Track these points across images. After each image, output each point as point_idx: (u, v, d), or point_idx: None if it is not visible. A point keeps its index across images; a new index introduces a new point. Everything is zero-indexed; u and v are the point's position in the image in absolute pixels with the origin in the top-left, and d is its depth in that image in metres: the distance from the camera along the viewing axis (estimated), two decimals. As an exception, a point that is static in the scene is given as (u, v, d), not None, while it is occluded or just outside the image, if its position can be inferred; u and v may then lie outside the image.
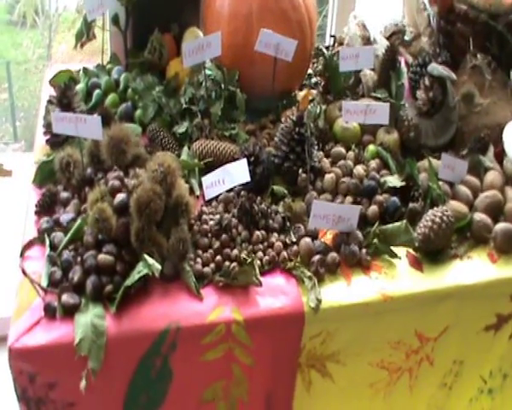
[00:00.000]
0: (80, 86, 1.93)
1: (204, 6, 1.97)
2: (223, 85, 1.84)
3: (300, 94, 1.96)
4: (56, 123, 1.47)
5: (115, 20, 2.03)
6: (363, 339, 1.44)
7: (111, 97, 1.89)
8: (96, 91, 1.91)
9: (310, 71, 2.09)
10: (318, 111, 1.74)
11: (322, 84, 1.98)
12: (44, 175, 1.63)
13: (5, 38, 4.99)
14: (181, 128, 1.77)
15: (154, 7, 2.03)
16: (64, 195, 1.56)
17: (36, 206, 1.54)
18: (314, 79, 2.05)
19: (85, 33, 2.03)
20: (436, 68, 1.85)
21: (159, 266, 1.31)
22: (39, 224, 1.49)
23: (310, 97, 1.91)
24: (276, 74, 1.83)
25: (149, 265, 1.31)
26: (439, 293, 1.44)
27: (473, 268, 1.51)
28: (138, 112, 1.84)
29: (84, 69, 2.00)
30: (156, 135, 1.75)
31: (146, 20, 2.06)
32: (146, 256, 1.33)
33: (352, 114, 1.67)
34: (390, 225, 1.51)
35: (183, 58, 1.71)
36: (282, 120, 1.66)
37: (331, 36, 2.16)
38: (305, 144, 1.60)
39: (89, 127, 1.47)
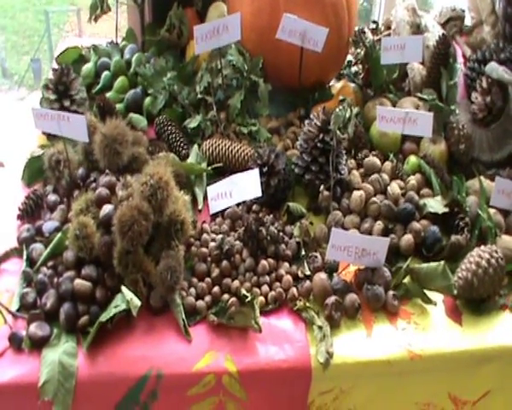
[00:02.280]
0: (87, 67, 1.69)
1: (229, -21, 1.69)
2: (244, 74, 1.57)
3: (336, 86, 1.67)
4: (37, 120, 1.23)
5: (131, -9, 1.78)
6: (384, 398, 1.18)
7: (120, 81, 1.65)
8: (105, 73, 1.67)
9: (350, 57, 1.79)
10: (349, 114, 1.44)
11: (362, 75, 1.68)
12: (33, 173, 1.41)
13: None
14: (193, 122, 1.52)
15: (176, -23, 1.77)
16: (51, 198, 1.34)
17: (19, 209, 1.33)
18: (355, 68, 1.75)
19: (99, 6, 1.79)
20: (496, 70, 1.52)
21: (138, 303, 1.08)
22: (20, 231, 1.28)
23: (347, 92, 1.62)
24: (305, 64, 1.55)
25: (127, 300, 1.08)
26: (480, 354, 1.16)
27: (525, 324, 1.23)
28: (147, 101, 1.59)
29: (94, 47, 1.75)
30: (164, 129, 1.50)
31: (166, -8, 1.80)
32: (124, 289, 1.10)
33: (389, 122, 1.37)
34: (425, 265, 1.23)
35: (194, 43, 1.44)
36: (306, 122, 1.38)
37: (373, 22, 1.84)
38: (330, 155, 1.32)
39: (72, 126, 1.23)
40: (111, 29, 1.88)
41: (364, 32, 1.78)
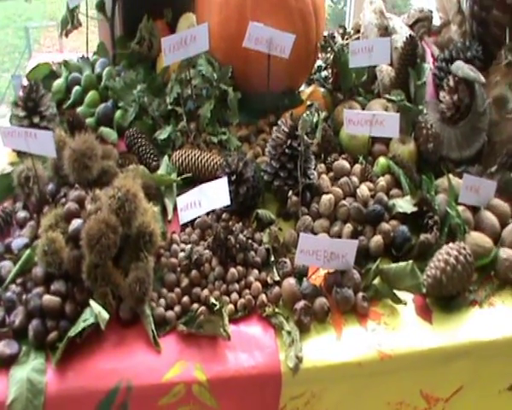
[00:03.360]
0: (58, 82, 1.69)
1: (197, -11, 1.70)
2: (214, 83, 1.58)
3: (306, 91, 1.67)
4: (4, 138, 1.24)
5: (100, 6, 1.78)
6: (356, 400, 1.18)
7: (90, 95, 1.65)
8: (76, 88, 1.67)
9: (320, 62, 1.80)
10: (317, 118, 1.45)
11: (331, 80, 1.69)
12: (3, 190, 1.41)
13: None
14: (163, 134, 1.52)
15: (145, -10, 1.77)
16: (21, 215, 1.34)
17: (-12, 227, 1.33)
18: (325, 73, 1.76)
19: (70, 21, 1.79)
20: (461, 68, 1.53)
21: (106, 316, 1.08)
22: (-12, 249, 1.28)
23: (317, 96, 1.62)
24: (274, 71, 1.56)
25: (96, 313, 1.08)
26: (450, 351, 1.16)
27: (495, 318, 1.22)
28: (117, 114, 1.60)
29: (65, 62, 1.76)
30: (134, 142, 1.51)
31: (136, 5, 1.80)
32: (93, 302, 1.10)
33: (356, 125, 1.38)
34: (394, 265, 1.23)
35: (163, 55, 1.45)
36: (274, 129, 1.39)
37: (340, 26, 1.85)
38: (298, 160, 1.32)
39: (40, 143, 1.23)
40: (91, 43, 1.88)
41: (334, 37, 1.80)
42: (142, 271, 1.14)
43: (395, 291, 1.22)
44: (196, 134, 1.52)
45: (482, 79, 1.54)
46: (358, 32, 1.81)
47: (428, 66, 1.66)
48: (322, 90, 1.67)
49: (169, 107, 1.57)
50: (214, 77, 1.58)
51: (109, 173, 1.35)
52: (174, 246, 1.26)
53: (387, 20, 1.75)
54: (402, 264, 1.23)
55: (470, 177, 1.39)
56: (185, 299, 1.18)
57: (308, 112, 1.46)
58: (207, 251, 1.24)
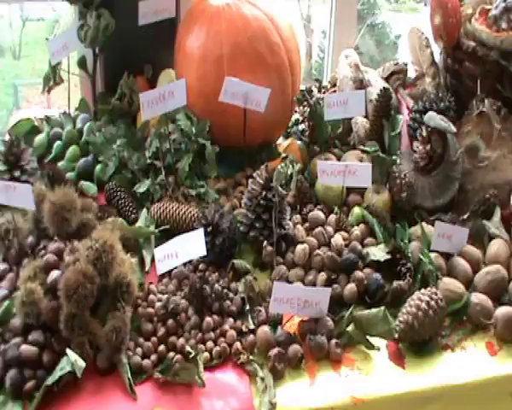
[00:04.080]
0: (40, 137, 1.81)
1: (176, 46, 1.84)
2: (192, 137, 1.70)
3: (283, 144, 1.80)
4: (-17, 190, 1.35)
5: (81, 63, 1.93)
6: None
7: (71, 150, 1.77)
8: (57, 143, 1.79)
9: (297, 116, 1.93)
10: (291, 170, 1.58)
11: (308, 133, 1.82)
12: (-17, 242, 1.51)
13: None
14: (142, 187, 1.63)
15: (126, 48, 1.91)
16: (0, 267, 1.43)
17: (-33, 279, 1.42)
18: (302, 126, 1.89)
19: (52, 78, 1.93)
20: (433, 118, 1.67)
21: (82, 364, 1.17)
22: (-33, 301, 1.37)
23: (293, 149, 1.75)
24: (250, 125, 1.69)
25: (72, 362, 1.17)
26: (422, 395, 1.25)
27: (467, 363, 1.32)
28: (97, 168, 1.71)
29: (47, 118, 1.88)
30: (114, 195, 1.62)
31: (117, 62, 1.94)
32: (69, 351, 1.19)
33: (330, 176, 1.50)
34: (367, 312, 1.33)
35: (141, 110, 1.58)
36: (250, 181, 1.50)
37: (316, 80, 1.99)
38: (273, 211, 1.43)
39: (19, 196, 1.34)
40: (76, 99, 2.01)
41: (312, 91, 1.94)
42: (120, 320, 1.24)
43: (368, 337, 1.31)
44: (175, 187, 1.63)
45: (453, 128, 1.67)
46: (335, 85, 1.96)
47: (402, 117, 1.80)
48: (298, 143, 1.80)
49: (148, 161, 1.68)
50: (193, 131, 1.71)
51: (88, 226, 1.45)
52: (151, 296, 1.36)
53: (363, 73, 1.89)
54: (374, 310, 1.32)
55: (442, 224, 1.50)
56: (162, 348, 1.27)
57: (283, 164, 1.58)
58: (184, 301, 1.33)
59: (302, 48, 4.39)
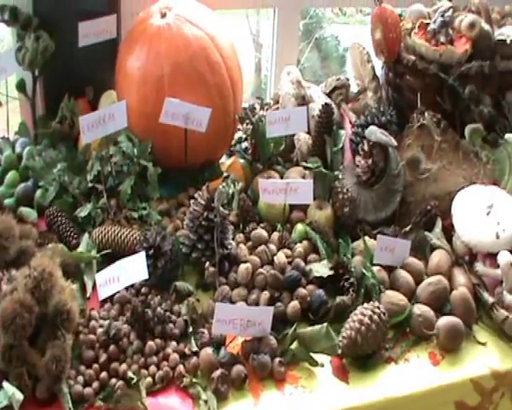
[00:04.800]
0: (-23, 163, 1.80)
1: (117, 68, 1.86)
2: (134, 159, 1.71)
3: (226, 163, 1.83)
4: None
5: (20, 86, 1.92)
6: None
7: (10, 175, 1.76)
8: (-5, 169, 1.79)
9: (241, 134, 1.97)
10: (233, 190, 1.60)
11: (251, 150, 1.85)
12: None
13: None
14: (83, 211, 1.64)
15: (66, 70, 1.92)
16: None
17: None
18: (245, 144, 1.92)
19: (-11, 101, 1.92)
20: (374, 133, 1.72)
21: (20, 397, 1.16)
22: None
23: (236, 168, 1.78)
24: (192, 144, 1.71)
25: (9, 395, 1.16)
26: (366, 409, 1.29)
27: (411, 374, 1.36)
28: (38, 193, 1.70)
29: (-15, 143, 1.87)
30: (54, 220, 1.62)
31: (57, 84, 1.94)
32: (6, 384, 1.18)
33: (271, 194, 1.53)
34: (310, 328, 1.36)
35: (81, 133, 1.58)
36: (191, 202, 1.52)
37: (257, 98, 2.03)
38: (215, 231, 1.46)
39: (-47, 225, 1.33)
40: (17, 124, 2.00)
41: (254, 108, 1.97)
42: (59, 349, 1.23)
43: (312, 354, 1.34)
44: (117, 210, 1.64)
45: (394, 142, 1.72)
46: (278, 102, 1.99)
47: (344, 132, 1.84)
48: (241, 161, 1.82)
49: (90, 184, 1.69)
50: (134, 153, 1.72)
51: (27, 253, 1.45)
52: (93, 322, 1.36)
53: (305, 89, 1.93)
54: (317, 327, 1.35)
55: (384, 238, 1.54)
56: (103, 375, 1.27)
57: (224, 184, 1.60)
58: (126, 326, 1.34)
59: (251, 63, 4.46)
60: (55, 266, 1.31)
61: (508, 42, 1.95)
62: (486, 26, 1.95)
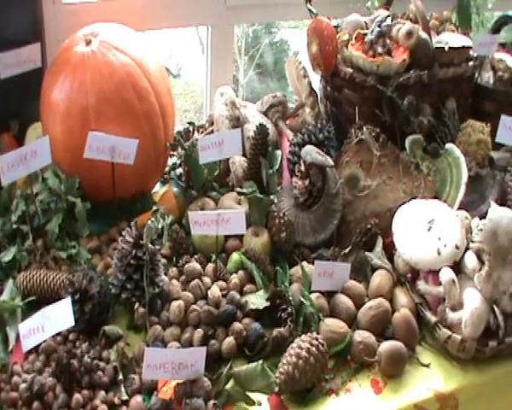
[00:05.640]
0: None
1: (41, 99, 1.81)
2: (62, 196, 1.67)
3: (159, 192, 1.79)
4: None
5: None
6: None
7: None
8: None
9: (175, 159, 1.93)
10: (162, 223, 1.57)
11: (184, 177, 1.81)
12: None
13: None
14: (7, 255, 1.58)
15: (-12, 104, 1.87)
16: None
17: None
18: (179, 170, 1.89)
19: None
20: (309, 153, 1.70)
21: None
22: None
23: (169, 197, 1.74)
24: (122, 176, 1.67)
25: None
26: (305, 448, 1.26)
27: (352, 406, 1.33)
28: (-44, 240, 1.65)
29: None
30: (-25, 268, 1.57)
31: (-20, 120, 1.89)
32: None
33: (203, 226, 1.49)
34: (245, 367, 1.32)
35: (0, 174, 1.53)
36: (120, 239, 1.48)
37: (188, 123, 2.00)
38: (144, 269, 1.42)
39: None
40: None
41: (189, 132, 1.94)
42: (-24, 412, 1.19)
43: (249, 393, 1.31)
44: (43, 252, 1.59)
45: (330, 162, 1.70)
46: (213, 123, 1.96)
47: (280, 152, 1.81)
48: (175, 189, 1.78)
49: (14, 226, 1.63)
50: (62, 189, 1.67)
51: None
52: (15, 378, 1.31)
53: (239, 109, 1.91)
54: (252, 365, 1.32)
55: (322, 263, 1.52)
56: (26, 436, 1.22)
57: (153, 219, 1.57)
58: (51, 379, 1.29)
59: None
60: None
61: (446, 49, 1.96)
62: (424, 35, 1.94)
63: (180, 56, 4.62)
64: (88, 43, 1.75)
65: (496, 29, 2.23)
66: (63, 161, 1.71)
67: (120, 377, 1.33)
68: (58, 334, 1.39)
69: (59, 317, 1.36)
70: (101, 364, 1.34)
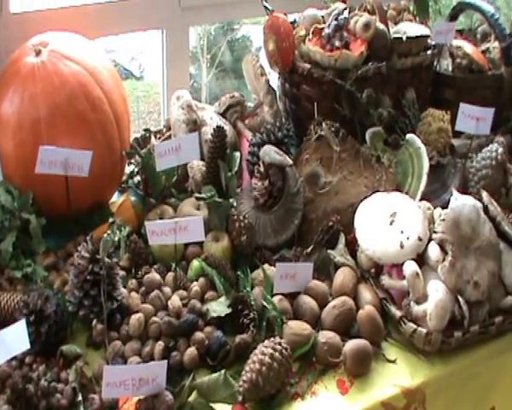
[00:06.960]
0: None
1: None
2: (16, 213, 1.63)
3: (117, 202, 1.75)
4: None
5: None
6: None
7: None
8: None
9: (133, 167, 1.89)
10: (119, 235, 1.54)
11: (142, 185, 1.78)
12: None
13: None
14: (-41, 279, 1.55)
15: None
16: None
17: None
18: (137, 178, 1.85)
19: None
20: (268, 153, 1.67)
21: None
22: None
23: (126, 207, 1.71)
24: (77, 189, 1.64)
25: None
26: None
27: (318, 409, 1.31)
28: None
29: None
30: None
31: None
32: None
33: (160, 235, 1.46)
34: (207, 378, 1.31)
35: None
36: (75, 255, 1.45)
37: (144, 130, 1.97)
38: (101, 284, 1.39)
39: None
40: None
41: (146, 138, 1.91)
42: None
43: (213, 404, 1.29)
44: (-3, 273, 1.56)
45: (289, 161, 1.68)
46: (170, 128, 1.93)
47: (238, 154, 1.79)
48: (133, 198, 1.74)
49: (-35, 248, 1.60)
50: (15, 206, 1.64)
51: None
52: (-32, 409, 1.28)
53: (196, 113, 1.87)
54: (215, 375, 1.30)
55: (283, 265, 1.50)
56: None
57: (109, 231, 1.54)
58: (6, 406, 1.26)
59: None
60: None
61: (404, 39, 1.94)
62: (381, 26, 1.93)
63: (143, 58, 4.59)
64: (38, 53, 1.72)
65: (453, 16, 2.22)
66: (15, 177, 1.67)
67: (80, 397, 1.30)
68: (13, 358, 1.36)
69: (14, 340, 1.32)
70: (60, 386, 1.30)
